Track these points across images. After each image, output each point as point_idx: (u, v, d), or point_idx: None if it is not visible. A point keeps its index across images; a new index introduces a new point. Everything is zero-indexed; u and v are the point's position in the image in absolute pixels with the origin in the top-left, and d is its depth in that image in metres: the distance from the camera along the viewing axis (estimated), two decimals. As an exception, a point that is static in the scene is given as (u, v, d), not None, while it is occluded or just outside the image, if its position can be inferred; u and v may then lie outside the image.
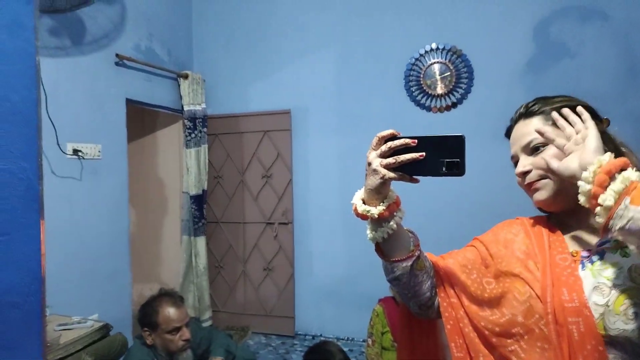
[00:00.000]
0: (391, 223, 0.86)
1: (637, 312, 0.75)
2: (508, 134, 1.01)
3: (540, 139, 0.91)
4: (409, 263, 0.90)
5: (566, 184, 0.86)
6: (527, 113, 0.96)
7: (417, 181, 0.82)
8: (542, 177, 0.91)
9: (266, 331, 3.93)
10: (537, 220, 0.99)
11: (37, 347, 0.69)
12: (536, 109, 0.95)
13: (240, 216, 4.03)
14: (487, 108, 3.39)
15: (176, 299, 2.15)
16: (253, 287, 4.01)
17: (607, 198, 0.72)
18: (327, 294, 3.79)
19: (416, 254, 0.91)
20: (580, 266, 0.86)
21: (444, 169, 0.78)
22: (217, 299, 4.11)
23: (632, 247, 0.74)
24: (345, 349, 3.55)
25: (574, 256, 0.88)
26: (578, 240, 0.90)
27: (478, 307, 0.91)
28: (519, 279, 0.88)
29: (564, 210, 0.92)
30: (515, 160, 0.97)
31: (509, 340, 0.86)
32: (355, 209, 0.87)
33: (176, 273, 3.90)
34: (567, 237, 0.92)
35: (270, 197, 3.93)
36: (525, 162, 0.93)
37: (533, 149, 0.93)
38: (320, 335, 3.80)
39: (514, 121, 0.99)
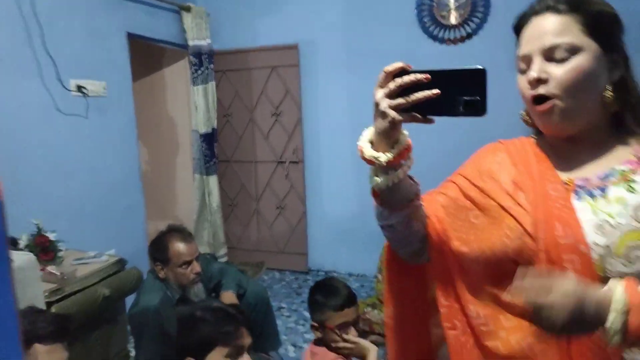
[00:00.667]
0: (398, 172, 0.76)
1: (639, 255, 0.69)
2: (519, 26, 0.83)
3: (572, 42, 0.74)
4: (407, 212, 0.83)
5: (576, 104, 0.75)
6: (557, 7, 0.77)
7: (432, 121, 0.70)
8: (554, 97, 0.76)
9: (280, 267, 4.02)
10: (522, 145, 0.88)
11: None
12: (572, 4, 0.76)
13: (252, 155, 4.01)
14: (504, 39, 3.20)
15: (185, 234, 2.17)
16: (266, 224, 4.06)
17: None
18: (339, 232, 3.82)
19: (415, 203, 0.83)
20: (574, 196, 0.77)
21: (461, 109, 0.67)
22: (232, 236, 4.18)
23: None
24: (357, 285, 3.63)
25: (567, 185, 0.78)
26: (572, 167, 0.80)
27: (468, 250, 0.84)
28: (508, 215, 0.80)
29: (565, 135, 0.80)
30: (525, 62, 0.80)
31: (500, 284, 0.80)
32: (362, 153, 0.77)
33: (191, 211, 3.96)
34: (559, 164, 0.82)
35: (281, 135, 3.88)
36: (544, 68, 0.76)
37: (556, 56, 0.75)
38: (333, 272, 3.87)
39: (535, 12, 0.80)
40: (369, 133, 0.78)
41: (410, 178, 0.83)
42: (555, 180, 0.79)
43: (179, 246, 2.11)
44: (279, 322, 3.03)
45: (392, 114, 0.70)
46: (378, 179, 0.78)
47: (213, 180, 3.89)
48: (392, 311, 0.99)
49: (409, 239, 0.87)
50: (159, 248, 2.12)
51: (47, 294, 2.05)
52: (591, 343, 0.72)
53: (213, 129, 3.83)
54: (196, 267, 2.14)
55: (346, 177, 3.73)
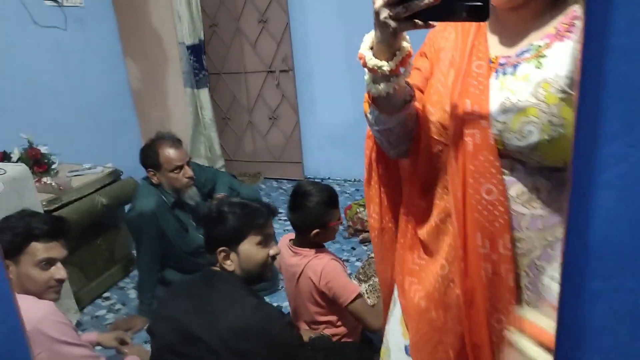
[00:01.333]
0: (399, 78, 0.75)
1: (531, 131, 0.72)
2: None
3: None
4: (404, 114, 0.83)
5: None
6: None
7: (433, 26, 0.69)
8: None
9: (277, 176, 4.10)
10: None
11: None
12: None
13: (241, 66, 3.92)
14: None
15: (174, 140, 2.20)
16: (260, 135, 4.07)
17: None
18: (333, 139, 3.84)
19: (411, 104, 0.83)
20: (494, 75, 0.79)
21: (464, 14, 0.65)
22: (228, 149, 4.22)
23: None
24: (352, 189, 3.72)
25: (492, 63, 0.80)
26: (504, 42, 0.81)
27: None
28: (436, 93, 0.84)
29: (509, 5, 0.78)
30: None
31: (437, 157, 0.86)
32: (364, 61, 0.76)
33: (185, 125, 3.96)
34: (495, 38, 0.82)
35: (269, 43, 3.77)
36: None
37: None
38: (329, 178, 3.94)
39: None
40: (369, 39, 0.76)
41: (406, 81, 0.82)
42: (482, 57, 0.81)
43: (169, 152, 2.14)
44: (276, 225, 3.13)
45: (393, 24, 0.68)
46: (378, 86, 0.77)
47: (204, 94, 3.84)
48: (377, 208, 1.04)
49: (403, 139, 0.89)
50: (149, 154, 2.16)
51: (44, 203, 2.12)
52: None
53: (200, 40, 3.72)
54: (188, 171, 2.18)
55: (338, 83, 3.67)
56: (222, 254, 1.36)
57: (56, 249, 1.41)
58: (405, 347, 0.99)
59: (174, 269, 2.29)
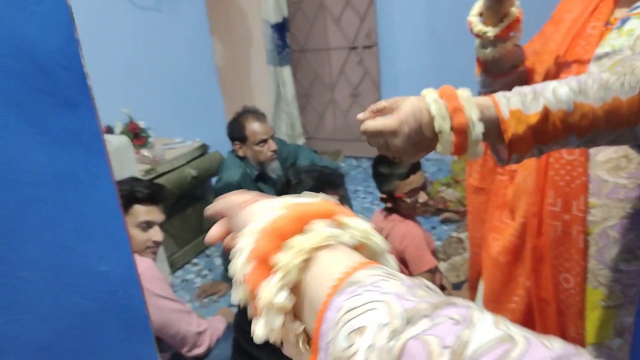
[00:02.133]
0: (507, 43, 0.79)
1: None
2: None
3: None
4: (511, 78, 0.85)
5: None
6: None
7: None
8: None
9: (356, 155, 4.08)
10: None
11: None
12: None
13: (323, 42, 3.91)
14: None
15: (259, 114, 2.25)
16: (341, 113, 4.06)
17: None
18: (416, 116, 3.72)
19: (520, 69, 0.84)
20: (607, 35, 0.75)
21: None
22: (308, 126, 4.25)
23: None
24: (434, 169, 3.60)
25: (609, 24, 0.76)
26: (631, 2, 0.75)
27: None
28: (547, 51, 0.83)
29: None
30: None
31: None
32: (471, 27, 0.80)
33: (267, 103, 4.04)
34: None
35: (352, 19, 3.71)
36: None
37: None
38: (410, 157, 3.85)
39: None
40: (478, 5, 0.80)
41: (518, 46, 0.85)
42: (601, 19, 0.78)
43: (255, 125, 2.20)
44: (355, 202, 3.14)
45: None
46: (485, 51, 0.81)
47: (287, 71, 3.89)
48: (479, 168, 1.10)
49: None
50: (235, 127, 2.23)
51: (142, 173, 2.28)
52: None
53: (284, 18, 3.75)
54: (272, 145, 2.23)
55: (423, 59, 3.54)
56: None
57: (154, 213, 1.52)
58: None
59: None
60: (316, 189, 1.40)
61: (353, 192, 3.30)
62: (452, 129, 0.59)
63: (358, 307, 0.25)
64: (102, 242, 0.79)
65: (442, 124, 0.59)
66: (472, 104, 0.59)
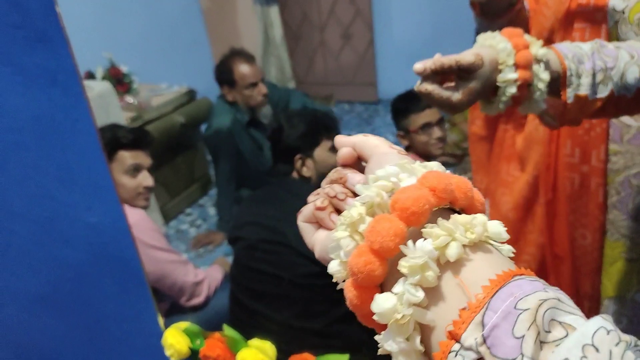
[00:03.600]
0: None
1: None
2: None
3: None
4: (508, 19, 0.76)
5: None
6: None
7: None
8: None
9: (349, 99, 3.98)
10: None
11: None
12: None
13: (312, -21, 3.71)
14: None
15: (248, 56, 2.15)
16: (332, 55, 3.92)
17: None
18: (411, 57, 3.57)
19: (518, 7, 0.76)
20: None
21: None
22: (299, 70, 4.12)
23: None
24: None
25: None
26: None
27: None
28: None
29: None
30: None
31: None
32: None
33: (255, 45, 3.88)
34: None
35: (343, -48, 3.50)
36: None
37: None
38: (403, 100, 3.77)
39: None
40: None
41: None
42: None
43: (243, 68, 2.10)
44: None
45: None
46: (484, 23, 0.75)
47: (274, 11, 3.70)
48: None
49: None
50: (224, 71, 2.13)
51: (127, 121, 2.19)
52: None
53: (269, -47, 3.53)
54: (262, 88, 2.14)
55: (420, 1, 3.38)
56: (299, 162, 1.36)
57: (141, 157, 1.46)
58: None
59: (250, 188, 2.32)
60: (310, 133, 1.36)
61: (346, 137, 3.24)
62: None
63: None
64: (88, 191, 0.74)
65: (507, 99, 0.57)
66: (543, 74, 0.56)
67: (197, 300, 1.52)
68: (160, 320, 0.81)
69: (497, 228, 0.27)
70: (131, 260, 0.78)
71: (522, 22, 0.79)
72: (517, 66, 0.56)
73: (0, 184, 0.79)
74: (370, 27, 3.63)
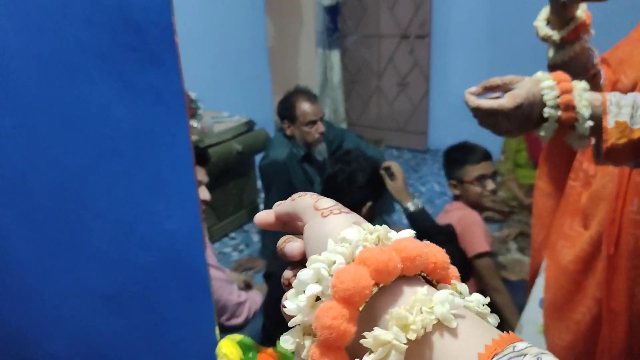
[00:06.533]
0: (574, 46, 0.78)
1: None
2: None
3: None
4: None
5: None
6: None
7: (606, 0, 0.71)
8: None
9: (398, 145, 4.03)
10: None
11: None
12: None
13: (375, 28, 3.86)
14: None
15: (310, 95, 2.24)
16: (387, 102, 4.01)
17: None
18: (464, 111, 3.62)
19: (592, 72, 0.82)
20: None
21: None
22: (352, 113, 4.23)
23: None
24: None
25: None
26: None
27: None
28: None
29: None
30: None
31: None
32: (537, 32, 0.82)
33: (313, 86, 4.03)
34: None
35: (407, 6, 3.64)
36: None
37: None
38: (453, 152, 3.79)
39: None
40: (545, 12, 0.81)
41: (591, 49, 0.84)
42: None
43: (305, 105, 2.19)
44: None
45: None
46: (554, 55, 0.81)
47: (335, 55, 3.86)
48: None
49: None
50: (286, 106, 2.23)
51: (191, 143, 2.31)
52: None
53: (337, 1, 3.71)
54: (320, 127, 2.22)
55: (478, 52, 3.45)
56: (369, 210, 1.42)
57: (201, 173, 1.55)
58: (540, 300, 1.01)
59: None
60: (369, 185, 1.40)
61: (393, 182, 3.28)
62: (559, 119, 0.63)
63: None
64: (172, 200, 0.81)
65: (552, 113, 0.63)
66: (585, 100, 0.62)
67: (237, 321, 1.55)
68: (217, 330, 0.86)
69: (446, 313, 0.24)
70: (200, 270, 0.83)
71: (595, 88, 0.82)
72: (556, 84, 0.65)
73: (90, 185, 0.87)
74: (427, 78, 3.72)
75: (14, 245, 1.00)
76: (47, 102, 0.83)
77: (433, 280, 0.27)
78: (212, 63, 3.01)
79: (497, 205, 2.75)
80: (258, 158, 2.52)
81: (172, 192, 0.79)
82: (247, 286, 1.87)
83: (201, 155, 1.58)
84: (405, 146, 3.99)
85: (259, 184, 2.62)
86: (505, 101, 0.64)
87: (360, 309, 0.24)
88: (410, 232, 0.28)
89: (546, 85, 0.64)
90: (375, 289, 0.24)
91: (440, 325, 0.24)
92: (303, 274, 0.26)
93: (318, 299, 0.26)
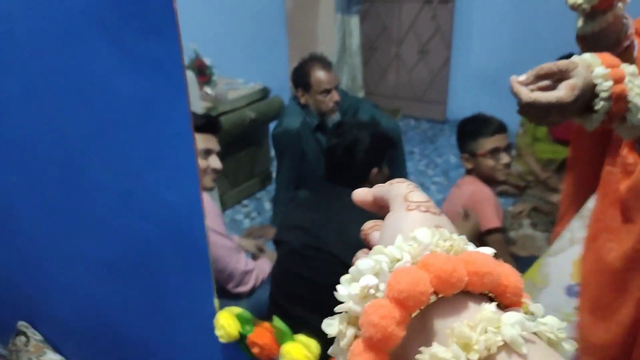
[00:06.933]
0: (607, 15, 0.69)
1: None
2: None
3: None
4: (616, 54, 0.73)
5: None
6: None
7: None
8: None
9: (416, 115, 3.95)
10: None
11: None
12: None
13: (397, -7, 3.73)
14: None
15: (326, 63, 2.19)
16: (406, 70, 3.91)
17: None
18: (484, 81, 3.54)
19: (625, 44, 0.74)
20: None
21: None
22: (370, 81, 4.14)
23: None
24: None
25: None
26: None
27: None
28: None
29: None
30: None
31: None
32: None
33: (330, 53, 3.95)
34: None
35: (431, -31, 3.50)
36: None
37: None
38: (472, 123, 3.70)
39: None
40: None
41: (625, 17, 0.74)
42: None
43: (320, 74, 2.15)
44: (409, 164, 3.07)
45: None
46: (583, 25, 0.73)
47: (354, 21, 3.76)
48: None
49: None
50: (300, 74, 2.18)
51: (203, 110, 2.30)
52: None
53: (358, -36, 3.59)
54: (335, 95, 2.18)
55: (503, 19, 3.31)
56: (377, 174, 1.40)
57: (213, 141, 1.54)
58: (568, 288, 0.96)
59: (308, 190, 2.36)
60: (369, 152, 1.37)
61: (409, 153, 3.23)
62: (609, 111, 0.59)
63: None
64: (172, 171, 0.80)
65: (604, 105, 0.59)
66: (638, 88, 0.57)
67: (244, 289, 1.57)
68: (216, 302, 0.86)
69: (515, 336, 0.22)
70: (199, 241, 0.83)
71: (629, 60, 0.75)
72: (609, 73, 0.59)
73: (90, 156, 0.87)
74: (448, 45, 3.60)
75: (20, 210, 1.02)
76: (52, 70, 0.82)
77: (501, 304, 0.25)
78: (228, 28, 2.95)
79: (513, 179, 2.69)
80: (272, 126, 2.50)
81: (171, 163, 0.78)
82: (260, 251, 1.89)
83: (213, 124, 1.57)
84: (423, 116, 3.91)
85: (272, 152, 2.61)
86: (564, 94, 0.58)
87: (414, 315, 0.23)
88: (490, 250, 0.26)
89: (599, 73, 0.59)
90: (434, 298, 0.23)
91: (506, 349, 0.22)
92: (363, 263, 0.25)
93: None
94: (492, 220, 1.63)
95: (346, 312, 0.25)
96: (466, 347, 0.21)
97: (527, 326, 0.22)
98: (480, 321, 0.22)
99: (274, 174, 2.89)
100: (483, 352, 0.21)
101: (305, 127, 2.21)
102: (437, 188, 2.95)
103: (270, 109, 2.64)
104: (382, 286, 0.24)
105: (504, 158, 1.68)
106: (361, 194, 0.34)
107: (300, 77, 2.18)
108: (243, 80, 2.72)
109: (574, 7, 0.71)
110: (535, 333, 0.23)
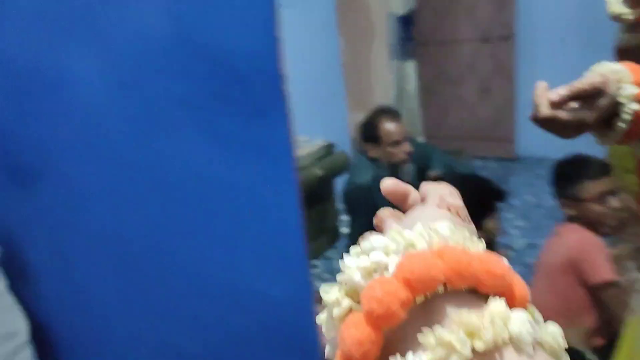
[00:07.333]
0: None
1: None
2: None
3: None
4: None
5: None
6: None
7: None
8: None
9: (483, 154, 3.78)
10: None
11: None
12: None
13: (452, 33, 3.67)
14: None
15: (394, 114, 2.13)
16: (467, 109, 3.79)
17: None
18: (556, 115, 3.35)
19: None
20: None
21: None
22: (429, 124, 4.03)
23: None
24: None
25: None
26: None
27: None
28: None
29: None
30: None
31: None
32: (608, 9, 0.74)
33: (388, 99, 3.90)
34: None
35: (486, 7, 3.42)
36: None
37: None
38: (546, 158, 3.48)
39: None
40: None
41: None
42: None
43: (389, 125, 2.08)
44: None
45: None
46: (626, 36, 0.74)
47: (410, 65, 3.71)
48: None
49: None
50: (369, 128, 2.12)
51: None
52: None
53: (411, 10, 3.57)
54: (406, 146, 2.09)
55: (569, 51, 3.16)
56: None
57: None
58: None
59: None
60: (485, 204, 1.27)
61: (482, 198, 3.06)
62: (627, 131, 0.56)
63: None
64: (279, 266, 0.71)
65: (623, 126, 0.57)
66: None
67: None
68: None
69: (524, 334, 0.21)
70: (309, 343, 0.73)
71: None
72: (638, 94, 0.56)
73: (190, 250, 0.80)
74: (511, 81, 3.46)
75: (109, 306, 0.96)
76: (138, 158, 0.78)
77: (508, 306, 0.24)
78: (288, 86, 2.98)
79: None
80: (338, 181, 2.43)
81: (279, 257, 0.70)
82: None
83: None
84: (491, 155, 3.73)
85: (340, 207, 2.53)
86: (589, 115, 0.58)
87: (418, 302, 0.22)
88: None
89: (627, 93, 0.56)
90: (441, 290, 0.22)
91: (513, 345, 0.21)
92: (376, 239, 0.24)
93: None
94: (607, 272, 1.46)
95: (346, 283, 0.24)
96: (472, 335, 0.21)
97: (534, 329, 0.22)
98: (489, 313, 0.21)
99: (340, 230, 2.79)
100: (490, 342, 0.20)
101: (377, 181, 2.11)
102: (520, 232, 2.74)
103: (336, 164, 2.58)
104: (391, 267, 0.23)
105: (614, 202, 1.51)
106: (394, 183, 0.34)
107: (369, 131, 2.12)
108: (306, 137, 2.69)
109: (617, 18, 0.71)
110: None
